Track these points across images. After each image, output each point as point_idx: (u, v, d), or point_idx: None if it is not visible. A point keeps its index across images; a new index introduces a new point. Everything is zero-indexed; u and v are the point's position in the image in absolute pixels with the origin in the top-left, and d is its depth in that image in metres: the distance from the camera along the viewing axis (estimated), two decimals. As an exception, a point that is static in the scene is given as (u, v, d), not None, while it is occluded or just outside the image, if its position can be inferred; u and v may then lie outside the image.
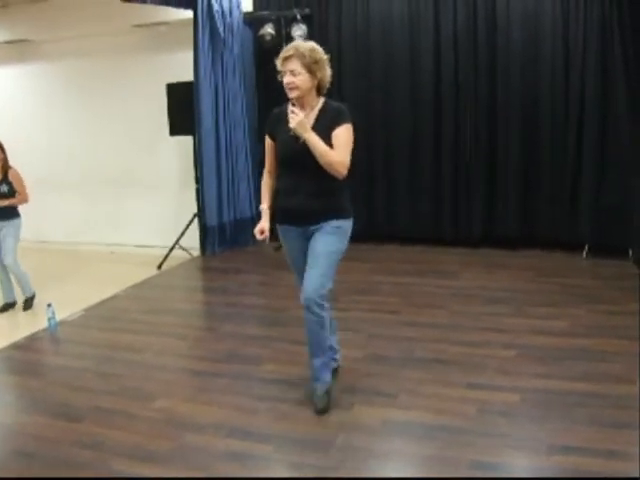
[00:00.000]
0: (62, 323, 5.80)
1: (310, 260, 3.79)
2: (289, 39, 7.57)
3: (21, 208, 6.51)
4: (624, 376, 4.14)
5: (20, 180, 6.42)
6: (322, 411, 3.86)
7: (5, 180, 6.32)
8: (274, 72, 3.75)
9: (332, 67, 3.78)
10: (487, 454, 3.33)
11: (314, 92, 3.76)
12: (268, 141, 3.92)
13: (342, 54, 7.89)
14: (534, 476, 3.18)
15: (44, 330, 5.68)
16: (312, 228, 3.80)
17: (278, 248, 7.68)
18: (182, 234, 8.14)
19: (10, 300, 6.62)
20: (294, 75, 3.64)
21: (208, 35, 7.72)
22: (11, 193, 6.35)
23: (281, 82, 3.70)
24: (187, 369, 4.81)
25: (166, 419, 3.90)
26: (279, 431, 3.69)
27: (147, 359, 4.90)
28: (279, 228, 3.94)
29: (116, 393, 4.30)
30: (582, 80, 6.97)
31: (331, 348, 4.13)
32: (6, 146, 6.37)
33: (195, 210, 8.23)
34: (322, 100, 3.82)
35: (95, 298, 6.47)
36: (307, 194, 3.75)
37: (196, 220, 8.23)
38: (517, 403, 3.88)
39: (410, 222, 8.02)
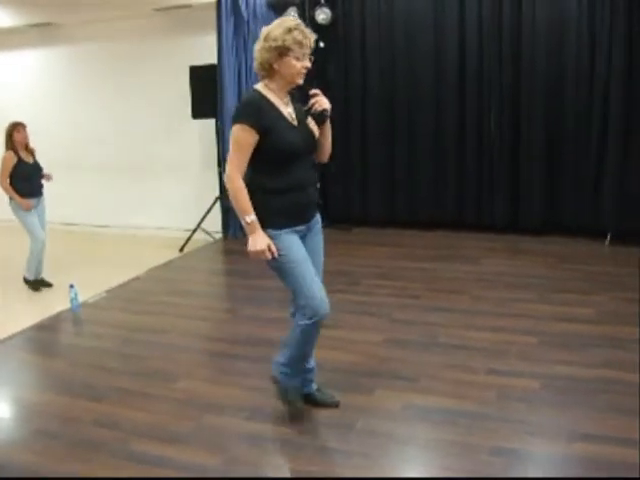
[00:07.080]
0: (84, 304, 5.85)
1: (316, 267, 3.42)
2: (312, 23, 7.56)
3: (46, 191, 6.48)
4: (647, 364, 4.10)
5: None
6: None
7: None
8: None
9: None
10: (507, 440, 3.31)
11: None
12: (252, 136, 3.16)
13: (366, 38, 7.81)
14: (555, 463, 3.16)
15: (67, 311, 5.73)
16: (313, 222, 3.46)
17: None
18: (204, 217, 8.14)
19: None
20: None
21: (231, 18, 7.68)
22: None
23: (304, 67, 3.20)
24: (208, 351, 4.83)
25: (186, 400, 3.92)
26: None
27: (168, 340, 4.93)
28: (282, 232, 3.26)
29: (137, 374, 4.33)
30: (607, 65, 6.84)
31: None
32: (29, 129, 6.33)
33: (217, 193, 8.25)
34: None
35: (117, 280, 6.51)
36: (312, 185, 3.38)
37: (218, 203, 8.25)
38: (538, 389, 3.86)
39: (433, 207, 7.99)
